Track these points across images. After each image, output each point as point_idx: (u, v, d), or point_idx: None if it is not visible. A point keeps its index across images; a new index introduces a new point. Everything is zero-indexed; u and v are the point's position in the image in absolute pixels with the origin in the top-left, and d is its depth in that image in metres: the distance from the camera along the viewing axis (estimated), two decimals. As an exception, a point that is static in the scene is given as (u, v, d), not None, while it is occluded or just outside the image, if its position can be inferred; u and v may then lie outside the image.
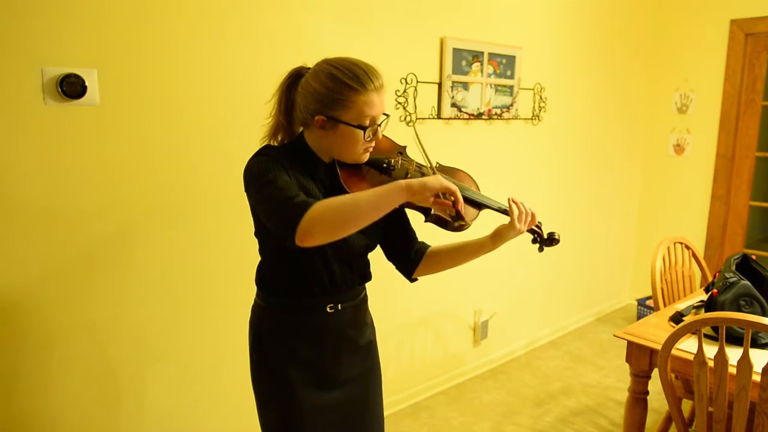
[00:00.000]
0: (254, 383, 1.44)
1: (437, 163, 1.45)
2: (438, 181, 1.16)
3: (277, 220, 1.14)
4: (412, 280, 1.52)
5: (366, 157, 1.33)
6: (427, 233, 1.58)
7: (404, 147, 1.45)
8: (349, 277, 1.39)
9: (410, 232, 1.52)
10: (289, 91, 1.34)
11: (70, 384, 1.87)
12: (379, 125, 1.28)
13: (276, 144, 1.39)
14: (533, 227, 1.46)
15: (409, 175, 1.36)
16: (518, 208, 1.36)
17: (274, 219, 1.15)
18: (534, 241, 1.50)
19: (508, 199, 1.38)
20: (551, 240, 1.48)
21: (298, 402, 1.37)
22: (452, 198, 1.20)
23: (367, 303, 1.52)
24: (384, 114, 1.30)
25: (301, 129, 1.36)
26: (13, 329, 1.74)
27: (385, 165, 1.36)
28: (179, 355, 2.10)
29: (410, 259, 1.49)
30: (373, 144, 1.31)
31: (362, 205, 1.11)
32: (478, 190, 1.47)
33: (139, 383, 2.02)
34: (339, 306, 1.38)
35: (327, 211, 1.10)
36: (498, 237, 1.40)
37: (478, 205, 1.42)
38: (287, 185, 1.17)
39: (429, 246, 1.51)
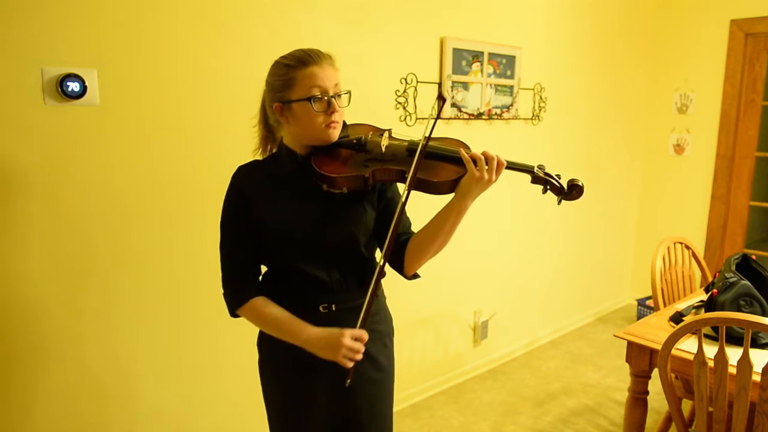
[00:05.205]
0: (261, 379, 1.48)
1: (425, 137, 1.32)
2: (336, 346, 1.25)
3: (224, 291, 1.38)
4: (408, 276, 1.41)
5: (333, 134, 1.32)
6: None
7: (389, 130, 1.41)
8: (338, 277, 1.36)
9: (401, 227, 1.43)
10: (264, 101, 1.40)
11: (62, 387, 1.87)
12: (333, 97, 1.29)
13: (265, 155, 1.45)
14: (543, 176, 1.30)
15: (382, 153, 1.33)
16: (473, 154, 1.26)
17: (222, 284, 1.39)
18: (545, 191, 1.31)
19: (460, 150, 1.29)
20: (572, 187, 1.25)
21: (292, 399, 1.40)
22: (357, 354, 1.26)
23: (378, 307, 1.44)
24: (346, 92, 1.32)
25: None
26: (14, 327, 1.74)
27: (355, 142, 1.36)
28: (177, 355, 2.09)
29: (396, 252, 1.41)
30: (334, 119, 1.30)
31: (273, 330, 1.34)
32: (468, 148, 1.36)
33: (135, 384, 2.01)
34: (333, 307, 1.35)
35: (253, 315, 1.35)
36: (460, 191, 1.28)
37: (447, 159, 1.32)
38: (232, 252, 1.37)
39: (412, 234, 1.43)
